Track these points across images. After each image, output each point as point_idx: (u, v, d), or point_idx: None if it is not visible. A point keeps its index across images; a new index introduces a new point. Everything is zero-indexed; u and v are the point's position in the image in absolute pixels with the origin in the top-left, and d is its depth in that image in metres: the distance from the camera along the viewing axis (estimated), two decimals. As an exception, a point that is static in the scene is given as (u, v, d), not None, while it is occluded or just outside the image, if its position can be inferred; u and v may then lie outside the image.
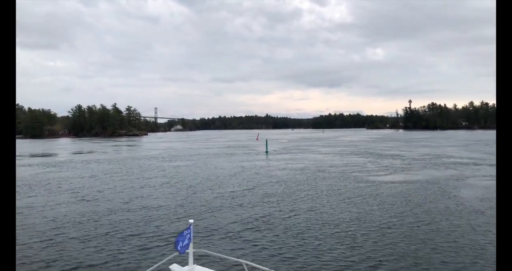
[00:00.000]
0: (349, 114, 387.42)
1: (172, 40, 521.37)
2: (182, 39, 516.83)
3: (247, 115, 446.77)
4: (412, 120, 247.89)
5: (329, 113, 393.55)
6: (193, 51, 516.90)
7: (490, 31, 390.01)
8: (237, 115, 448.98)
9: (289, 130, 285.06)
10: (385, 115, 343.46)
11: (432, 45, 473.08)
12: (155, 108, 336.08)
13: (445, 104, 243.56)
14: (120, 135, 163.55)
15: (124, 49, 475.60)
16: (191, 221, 5.34)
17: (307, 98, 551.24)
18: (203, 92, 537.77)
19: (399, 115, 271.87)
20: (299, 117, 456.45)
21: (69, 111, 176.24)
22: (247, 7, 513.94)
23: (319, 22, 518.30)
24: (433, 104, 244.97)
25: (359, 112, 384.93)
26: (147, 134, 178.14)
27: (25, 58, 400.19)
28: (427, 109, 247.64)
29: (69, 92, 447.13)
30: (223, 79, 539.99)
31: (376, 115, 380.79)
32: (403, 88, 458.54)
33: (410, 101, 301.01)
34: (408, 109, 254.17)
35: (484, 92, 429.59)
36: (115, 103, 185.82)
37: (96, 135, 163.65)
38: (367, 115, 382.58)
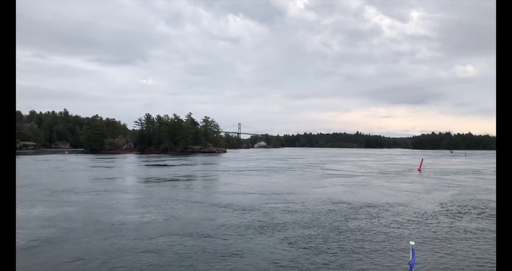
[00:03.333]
0: (458, 133, 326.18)
1: (252, 59, 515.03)
2: (262, 58, 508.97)
3: (336, 132, 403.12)
4: None
5: (433, 132, 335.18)
6: (273, 69, 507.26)
7: None
8: (318, 132, 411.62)
9: (398, 150, 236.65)
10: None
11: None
12: (239, 123, 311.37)
13: None
14: (194, 152, 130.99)
15: (208, 68, 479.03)
16: (412, 243, 5.68)
17: (391, 116, 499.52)
18: (282, 109, 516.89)
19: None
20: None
21: (136, 122, 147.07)
22: (325, 25, 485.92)
23: (400, 39, 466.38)
24: None
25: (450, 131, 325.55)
26: (225, 152, 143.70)
27: (119, 75, 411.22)
28: None
29: (152, 108, 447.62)
30: (301, 96, 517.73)
31: (491, 136, 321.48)
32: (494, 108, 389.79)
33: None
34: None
35: None
36: (190, 113, 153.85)
37: (165, 151, 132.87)
38: (479, 135, 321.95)
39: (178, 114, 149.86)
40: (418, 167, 51.65)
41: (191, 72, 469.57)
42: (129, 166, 60.63)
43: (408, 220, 16.81)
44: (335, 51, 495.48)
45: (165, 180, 35.08)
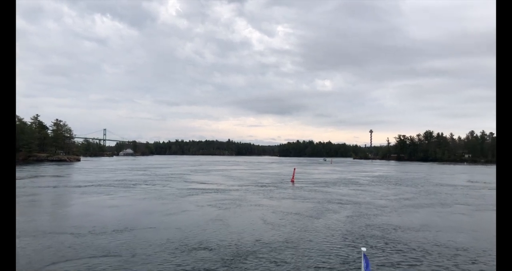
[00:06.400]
0: (319, 142, 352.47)
1: (122, 63, 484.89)
2: (132, 62, 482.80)
3: (208, 140, 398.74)
4: (407, 150, 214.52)
5: (298, 140, 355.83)
6: (143, 74, 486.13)
7: (428, 64, 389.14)
8: (190, 140, 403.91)
9: (266, 157, 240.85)
10: (350, 144, 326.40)
11: (372, 77, 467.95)
12: (104, 129, 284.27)
13: (442, 133, 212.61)
14: (39, 160, 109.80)
15: (71, 69, 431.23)
16: (363, 249, 5.47)
17: (260, 125, 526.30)
18: (151, 116, 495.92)
19: (389, 144, 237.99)
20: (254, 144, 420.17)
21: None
22: (197, 34, 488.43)
23: (267, 52, 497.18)
24: (430, 133, 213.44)
25: (312, 140, 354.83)
26: (79, 160, 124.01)
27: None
28: (423, 139, 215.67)
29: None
30: (173, 103, 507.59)
31: (347, 144, 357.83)
32: (349, 119, 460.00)
33: (371, 131, 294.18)
34: (402, 138, 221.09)
35: (428, 125, 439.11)
36: (37, 115, 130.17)
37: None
38: (338, 144, 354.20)
39: (22, 117, 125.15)
40: (291, 178, 46.63)
41: (50, 72, 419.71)
42: None
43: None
44: (207, 60, 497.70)
45: None
